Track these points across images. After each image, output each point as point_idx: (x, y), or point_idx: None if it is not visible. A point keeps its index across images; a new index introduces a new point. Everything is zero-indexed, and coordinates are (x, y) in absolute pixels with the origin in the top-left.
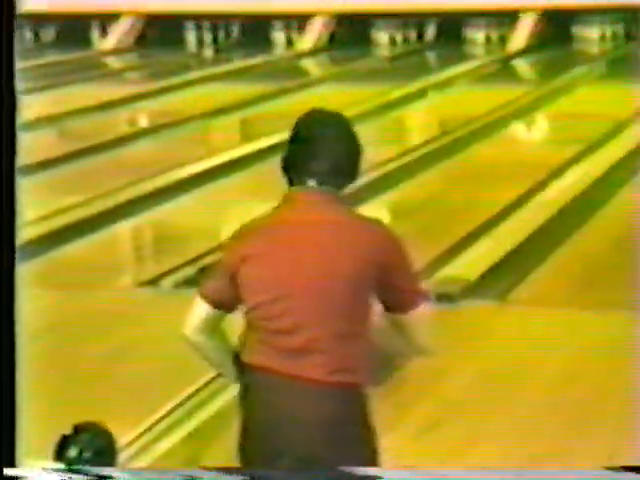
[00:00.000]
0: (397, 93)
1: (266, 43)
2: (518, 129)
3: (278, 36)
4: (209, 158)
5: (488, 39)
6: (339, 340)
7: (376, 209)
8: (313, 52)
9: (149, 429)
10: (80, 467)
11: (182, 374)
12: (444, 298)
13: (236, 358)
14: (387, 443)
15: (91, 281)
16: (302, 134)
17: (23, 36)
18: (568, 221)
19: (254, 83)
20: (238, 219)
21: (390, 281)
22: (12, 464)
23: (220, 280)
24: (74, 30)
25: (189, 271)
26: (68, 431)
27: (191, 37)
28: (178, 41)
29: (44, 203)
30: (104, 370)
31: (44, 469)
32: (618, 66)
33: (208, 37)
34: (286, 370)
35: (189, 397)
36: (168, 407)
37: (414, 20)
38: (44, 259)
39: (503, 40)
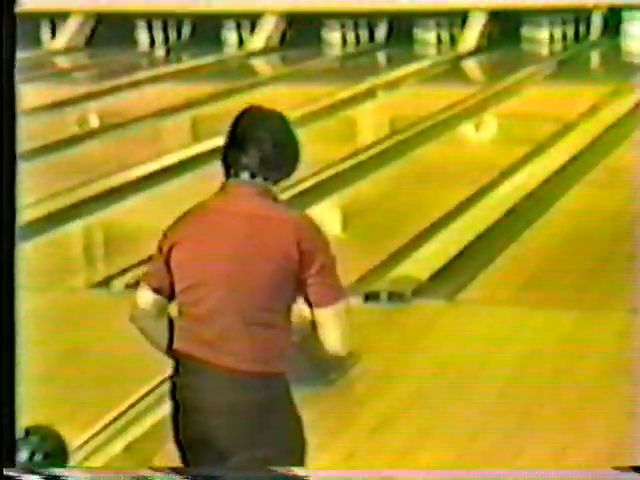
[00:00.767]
0: (347, 93)
1: (217, 43)
2: (468, 129)
3: (229, 36)
4: (160, 158)
5: (439, 39)
6: (254, 329)
7: (327, 208)
8: (264, 52)
9: (102, 430)
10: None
11: (135, 375)
12: (395, 297)
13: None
14: (340, 442)
15: (42, 283)
16: (236, 130)
17: None
18: (517, 221)
19: (205, 83)
20: None
21: (308, 275)
22: (12, 464)
23: (156, 265)
24: (23, 29)
25: (140, 272)
26: (19, 434)
27: (142, 37)
28: (129, 41)
29: None
30: (56, 372)
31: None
32: (567, 67)
33: (159, 37)
34: (203, 357)
35: (143, 397)
36: (121, 408)
37: (365, 20)
38: None
39: (453, 40)
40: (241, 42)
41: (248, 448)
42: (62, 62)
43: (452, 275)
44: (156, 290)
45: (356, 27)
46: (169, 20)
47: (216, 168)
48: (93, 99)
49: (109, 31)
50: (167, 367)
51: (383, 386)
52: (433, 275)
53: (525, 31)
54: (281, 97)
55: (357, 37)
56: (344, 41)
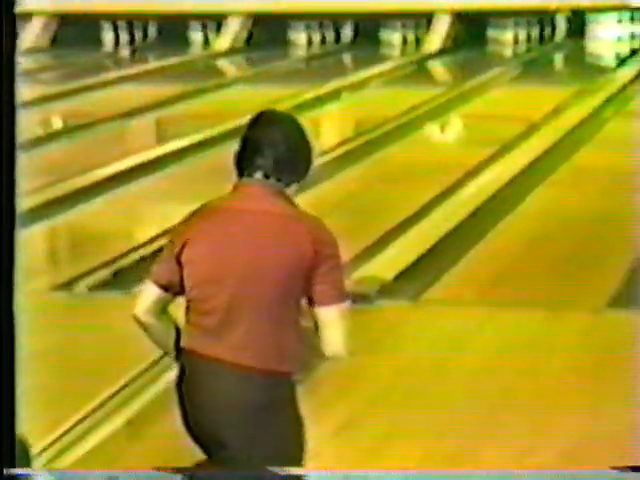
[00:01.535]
0: (313, 94)
1: (183, 43)
2: (433, 130)
3: (195, 36)
4: (125, 159)
5: (404, 41)
6: (266, 327)
7: None
8: (230, 52)
9: (67, 432)
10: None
11: (99, 377)
12: (360, 298)
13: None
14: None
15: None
16: (251, 132)
17: None
18: (482, 221)
19: (170, 83)
20: (154, 221)
21: (317, 274)
22: (12, 464)
23: (167, 262)
24: None
25: (104, 274)
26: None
27: (107, 37)
28: (94, 41)
29: None
30: (18, 374)
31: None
32: (531, 68)
33: (124, 37)
34: (212, 353)
35: (108, 399)
36: (86, 410)
37: (331, 21)
38: None
39: (419, 42)
40: (207, 43)
41: (249, 446)
42: (26, 63)
43: (417, 275)
44: (164, 287)
45: (322, 28)
46: (134, 20)
47: (181, 169)
48: (58, 100)
49: (74, 31)
50: (129, 368)
51: (348, 387)
52: (398, 275)
53: (490, 32)
54: (247, 98)
55: (323, 38)
56: (310, 42)
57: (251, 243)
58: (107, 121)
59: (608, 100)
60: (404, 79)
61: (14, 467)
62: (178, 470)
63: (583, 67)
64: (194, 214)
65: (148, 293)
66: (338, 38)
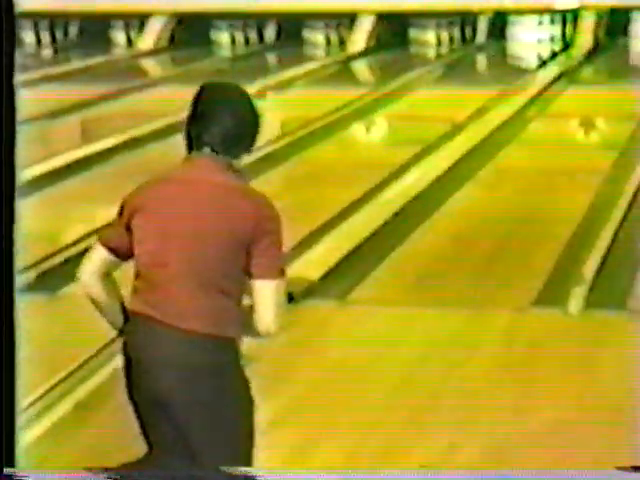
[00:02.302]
0: None
1: (105, 43)
2: (358, 130)
3: (118, 36)
4: (48, 160)
5: (327, 41)
6: (208, 293)
7: None
8: (153, 52)
9: None
10: None
11: (28, 377)
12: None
13: (123, 306)
14: None
15: None
16: (196, 106)
17: None
18: (407, 221)
19: (94, 83)
20: (79, 222)
21: (257, 248)
22: (12, 464)
23: (117, 228)
24: None
25: (29, 276)
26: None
27: (28, 37)
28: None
29: None
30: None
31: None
32: (454, 69)
33: (46, 37)
34: (158, 316)
35: (38, 399)
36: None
37: (254, 21)
38: None
39: (342, 42)
40: (130, 42)
41: (190, 405)
42: None
43: (343, 275)
44: (112, 250)
45: (245, 28)
46: (55, 20)
47: (106, 170)
48: None
49: None
50: (65, 363)
51: (273, 388)
52: (324, 275)
53: (412, 33)
54: (171, 98)
55: (246, 38)
56: (233, 42)
57: (196, 213)
58: (30, 122)
59: (530, 101)
60: (328, 79)
61: (14, 467)
62: (106, 470)
63: (505, 68)
64: (144, 184)
65: (95, 255)
66: (262, 38)
